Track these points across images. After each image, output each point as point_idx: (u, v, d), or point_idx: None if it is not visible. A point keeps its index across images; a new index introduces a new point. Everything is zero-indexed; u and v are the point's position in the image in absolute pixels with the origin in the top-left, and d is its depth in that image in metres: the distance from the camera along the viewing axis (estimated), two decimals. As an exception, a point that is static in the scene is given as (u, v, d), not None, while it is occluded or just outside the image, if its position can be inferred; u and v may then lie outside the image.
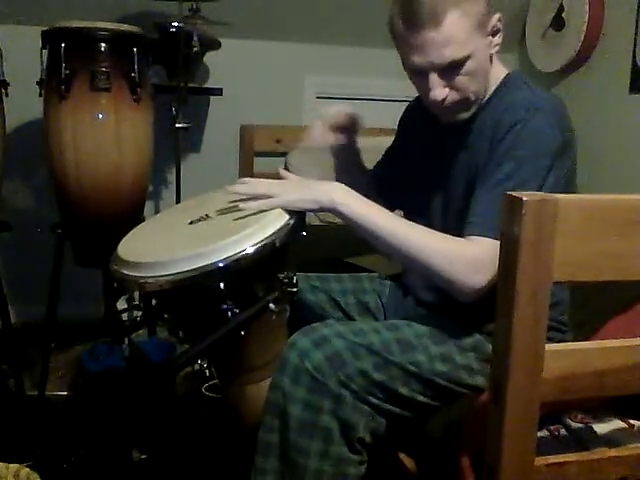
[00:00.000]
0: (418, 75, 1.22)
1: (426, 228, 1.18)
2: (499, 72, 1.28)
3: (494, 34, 1.23)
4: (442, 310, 1.29)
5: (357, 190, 1.21)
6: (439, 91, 1.20)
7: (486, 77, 1.25)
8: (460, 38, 1.15)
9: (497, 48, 1.24)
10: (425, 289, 1.36)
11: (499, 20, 1.22)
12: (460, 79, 1.20)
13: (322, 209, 1.17)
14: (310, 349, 1.11)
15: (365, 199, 1.18)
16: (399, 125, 1.53)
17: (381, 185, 1.49)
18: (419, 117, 1.40)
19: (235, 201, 1.20)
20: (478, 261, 1.11)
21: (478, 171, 1.21)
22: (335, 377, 1.09)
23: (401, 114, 1.52)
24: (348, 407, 1.09)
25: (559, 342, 1.22)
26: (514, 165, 1.14)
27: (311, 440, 1.09)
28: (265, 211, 1.16)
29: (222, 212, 1.23)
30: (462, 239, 1.15)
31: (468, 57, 1.17)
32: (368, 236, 1.17)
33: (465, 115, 1.26)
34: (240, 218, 1.17)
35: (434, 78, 1.19)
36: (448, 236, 1.16)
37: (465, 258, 1.13)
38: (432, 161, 1.37)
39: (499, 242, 1.06)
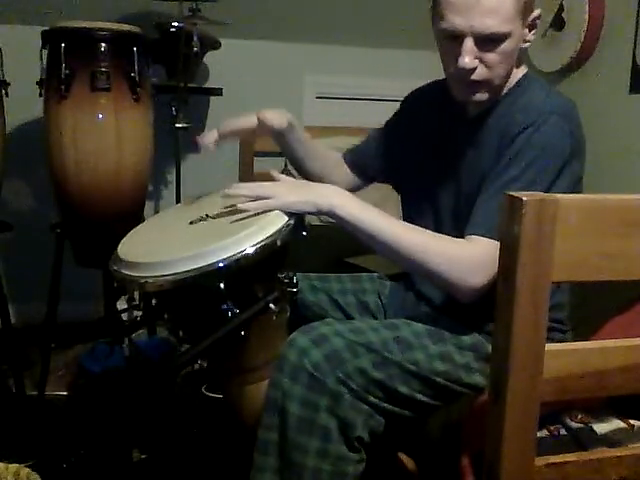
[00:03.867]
0: (452, 40, 1.19)
1: (424, 230, 1.19)
2: (516, 73, 1.28)
3: (530, 29, 1.22)
4: (442, 309, 1.29)
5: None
6: (469, 59, 1.17)
7: (511, 67, 1.24)
8: (505, 13, 1.14)
9: (528, 45, 1.24)
10: (426, 287, 1.36)
11: (539, 17, 1.22)
12: (492, 56, 1.18)
13: (320, 212, 1.17)
14: (309, 347, 1.11)
15: (363, 202, 1.18)
16: (402, 109, 1.50)
17: (368, 162, 1.52)
18: (430, 105, 1.38)
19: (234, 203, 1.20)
20: (477, 262, 1.11)
21: (486, 170, 1.20)
22: (334, 375, 1.09)
23: (405, 98, 1.50)
24: (346, 405, 1.10)
25: (557, 341, 1.22)
26: (522, 168, 1.14)
27: (309, 438, 1.09)
28: (265, 212, 1.16)
29: (222, 212, 1.23)
30: (462, 240, 1.15)
31: (507, 36, 1.16)
32: (367, 239, 1.17)
33: (483, 97, 1.24)
34: (240, 218, 1.17)
35: (469, 44, 1.17)
36: (447, 237, 1.16)
37: (464, 259, 1.13)
38: (439, 156, 1.36)
39: (497, 243, 1.07)
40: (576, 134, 1.19)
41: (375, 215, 1.16)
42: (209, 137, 1.39)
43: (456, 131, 1.32)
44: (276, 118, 1.40)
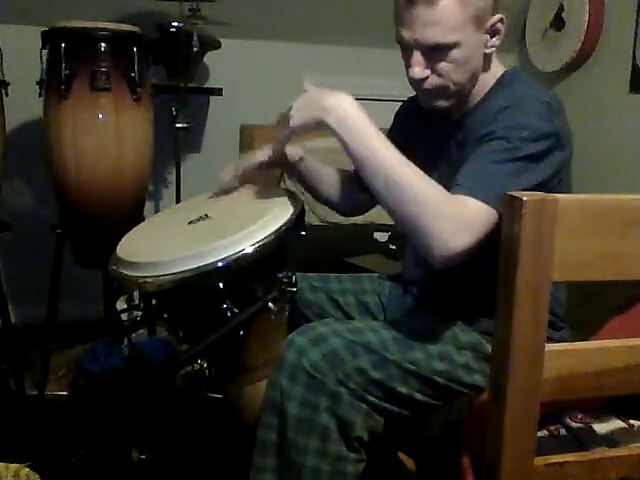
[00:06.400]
0: (405, 51, 1.23)
1: (423, 174, 1.11)
2: (495, 72, 1.28)
3: (492, 34, 1.22)
4: (441, 309, 1.29)
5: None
6: (418, 70, 1.21)
7: (474, 74, 1.24)
8: (449, 23, 1.15)
9: (493, 49, 1.24)
10: (425, 287, 1.36)
11: (501, 21, 1.22)
12: (443, 65, 1.20)
13: (329, 116, 1.14)
14: (308, 347, 1.11)
15: (371, 123, 1.13)
16: (395, 118, 1.52)
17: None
18: (417, 113, 1.38)
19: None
20: (462, 222, 1.06)
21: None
22: (333, 375, 1.09)
23: (398, 108, 1.51)
24: (345, 405, 1.09)
25: (557, 340, 1.22)
26: (506, 143, 1.11)
27: (309, 438, 1.09)
28: (265, 210, 1.16)
29: (221, 212, 1.23)
30: (452, 196, 1.09)
31: (454, 45, 1.17)
32: (360, 160, 1.12)
33: (444, 104, 1.26)
34: (239, 218, 1.17)
35: (417, 56, 1.20)
36: (442, 189, 1.10)
37: (451, 215, 1.06)
38: (431, 161, 1.36)
39: (485, 205, 1.05)
40: (558, 124, 1.17)
41: (376, 137, 1.12)
42: (227, 173, 1.40)
43: (443, 134, 1.32)
44: (290, 150, 1.41)
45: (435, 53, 1.19)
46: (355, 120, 1.13)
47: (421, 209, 1.06)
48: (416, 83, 1.24)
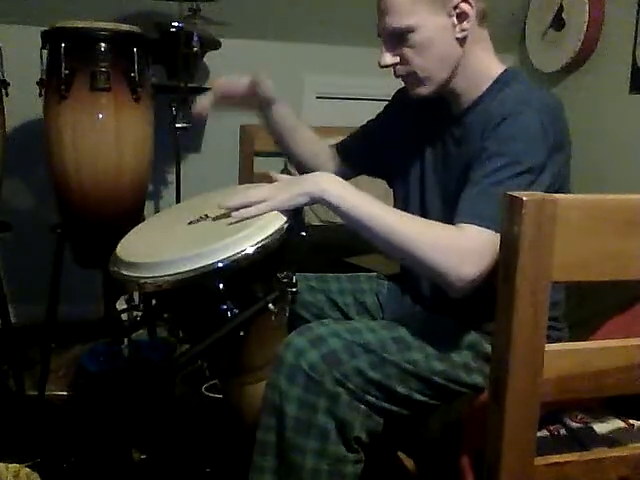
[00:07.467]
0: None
1: (416, 217, 1.17)
2: (494, 69, 1.27)
3: (460, 18, 1.21)
4: (440, 309, 1.29)
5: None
6: (385, 57, 1.26)
7: (446, 60, 1.24)
8: (401, 8, 1.20)
9: (464, 34, 1.22)
10: (424, 286, 1.35)
11: (466, 2, 1.21)
12: (405, 51, 1.24)
13: (314, 200, 1.16)
14: (306, 348, 1.11)
15: (354, 188, 1.16)
16: (394, 98, 1.51)
17: (360, 157, 1.52)
18: (419, 101, 1.37)
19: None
20: (469, 251, 1.08)
21: (470, 165, 1.19)
22: (331, 376, 1.09)
23: (400, 88, 1.49)
24: (344, 406, 1.09)
25: (556, 341, 1.22)
26: (506, 159, 1.13)
27: (307, 439, 1.09)
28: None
29: (221, 213, 1.23)
30: (453, 227, 1.12)
31: (410, 29, 1.21)
32: (357, 225, 1.14)
33: (423, 91, 1.28)
34: (239, 219, 1.17)
35: (384, 44, 1.27)
36: (438, 224, 1.14)
37: (456, 248, 1.09)
38: (426, 154, 1.36)
39: (490, 231, 1.06)
40: (556, 127, 1.17)
41: (367, 201, 1.14)
42: (203, 104, 1.47)
43: (441, 129, 1.33)
44: (269, 85, 1.46)
45: (396, 39, 1.24)
46: (341, 192, 1.15)
47: (424, 252, 1.10)
48: (393, 72, 1.28)
